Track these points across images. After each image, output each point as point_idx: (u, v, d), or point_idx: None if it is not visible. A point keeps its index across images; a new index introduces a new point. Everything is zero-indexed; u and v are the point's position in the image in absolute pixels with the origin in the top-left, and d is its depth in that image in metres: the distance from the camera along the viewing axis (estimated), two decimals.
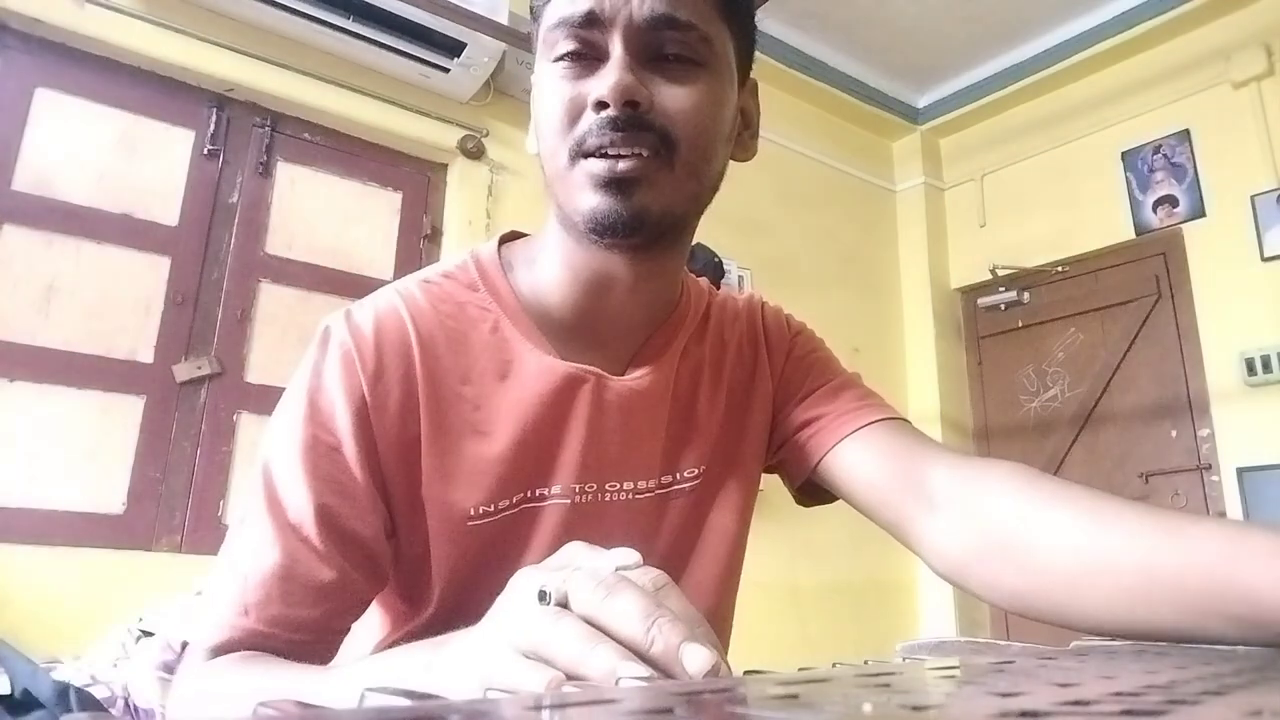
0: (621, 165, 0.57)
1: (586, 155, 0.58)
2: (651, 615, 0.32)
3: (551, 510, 0.63)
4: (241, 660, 0.54)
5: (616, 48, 0.58)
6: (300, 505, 0.57)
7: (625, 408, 0.66)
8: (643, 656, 0.31)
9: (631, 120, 0.57)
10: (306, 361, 0.62)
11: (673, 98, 0.59)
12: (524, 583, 0.37)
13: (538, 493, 0.63)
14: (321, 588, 0.56)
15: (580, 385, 0.64)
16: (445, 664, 0.39)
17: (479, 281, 0.66)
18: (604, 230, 0.58)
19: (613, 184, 0.57)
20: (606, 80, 0.57)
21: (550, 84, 0.60)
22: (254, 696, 0.47)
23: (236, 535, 0.58)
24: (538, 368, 0.64)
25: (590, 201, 0.58)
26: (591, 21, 0.58)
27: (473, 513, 0.60)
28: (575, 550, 0.39)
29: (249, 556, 0.56)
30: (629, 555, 0.37)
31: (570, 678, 0.31)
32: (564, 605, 0.34)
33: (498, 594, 0.63)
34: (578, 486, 0.64)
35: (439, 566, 0.61)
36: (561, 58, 0.59)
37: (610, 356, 0.67)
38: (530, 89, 0.69)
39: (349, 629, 0.60)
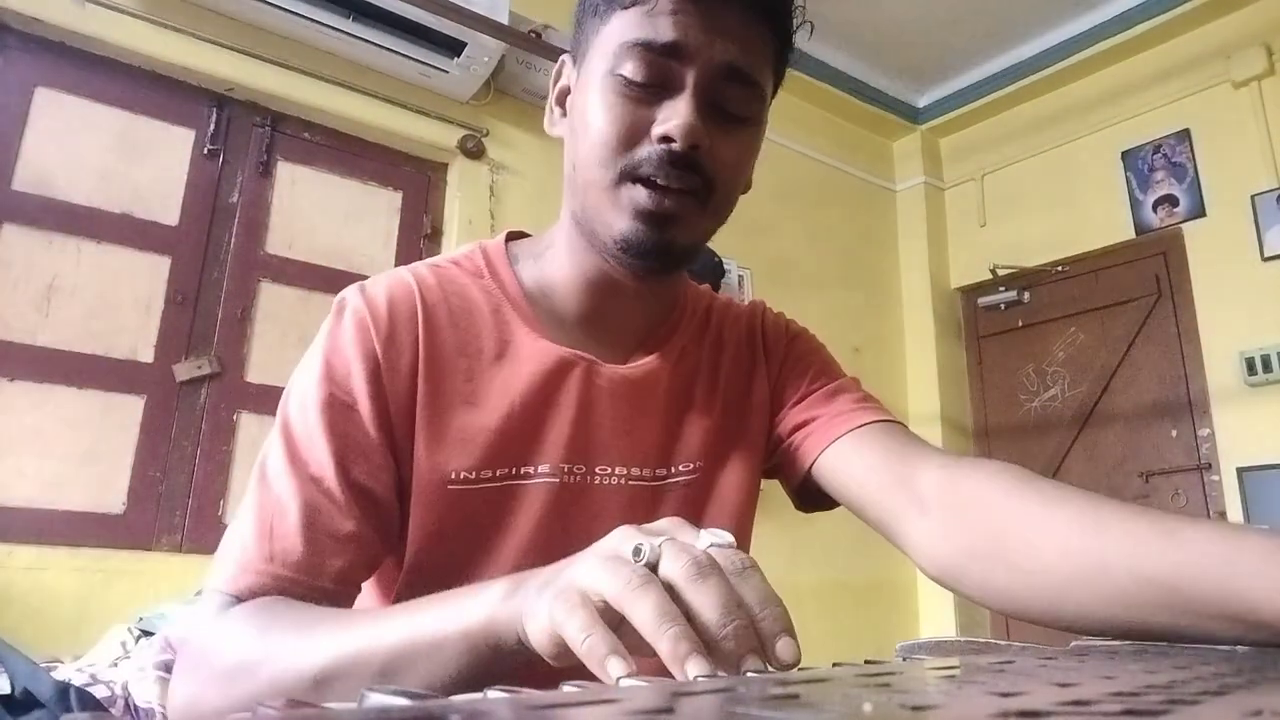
0: (668, 203, 0.60)
1: (636, 181, 0.60)
2: (732, 615, 0.34)
3: (539, 489, 0.64)
4: (282, 601, 0.54)
5: (689, 86, 0.60)
6: (321, 459, 0.58)
7: (616, 393, 0.68)
8: (710, 645, 0.33)
9: (688, 160, 0.59)
10: (323, 329, 0.64)
11: (724, 148, 0.62)
12: (620, 538, 0.39)
13: (523, 470, 0.64)
14: (343, 538, 0.57)
15: (571, 368, 0.66)
16: (524, 596, 0.41)
17: (484, 269, 0.69)
18: (634, 255, 0.61)
19: (654, 217, 0.60)
20: (678, 117, 0.59)
21: (609, 98, 0.61)
22: (334, 630, 0.49)
23: (256, 490, 0.59)
24: (532, 349, 0.66)
25: (626, 227, 0.61)
26: (672, 52, 0.59)
27: (453, 476, 0.62)
28: (671, 522, 0.41)
29: (272, 507, 0.57)
30: (723, 535, 0.39)
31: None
32: (653, 568, 0.37)
33: (474, 566, 0.64)
34: (566, 467, 0.65)
35: (415, 528, 0.62)
36: (629, 76, 0.60)
37: (609, 348, 0.69)
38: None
39: (360, 589, 0.61)
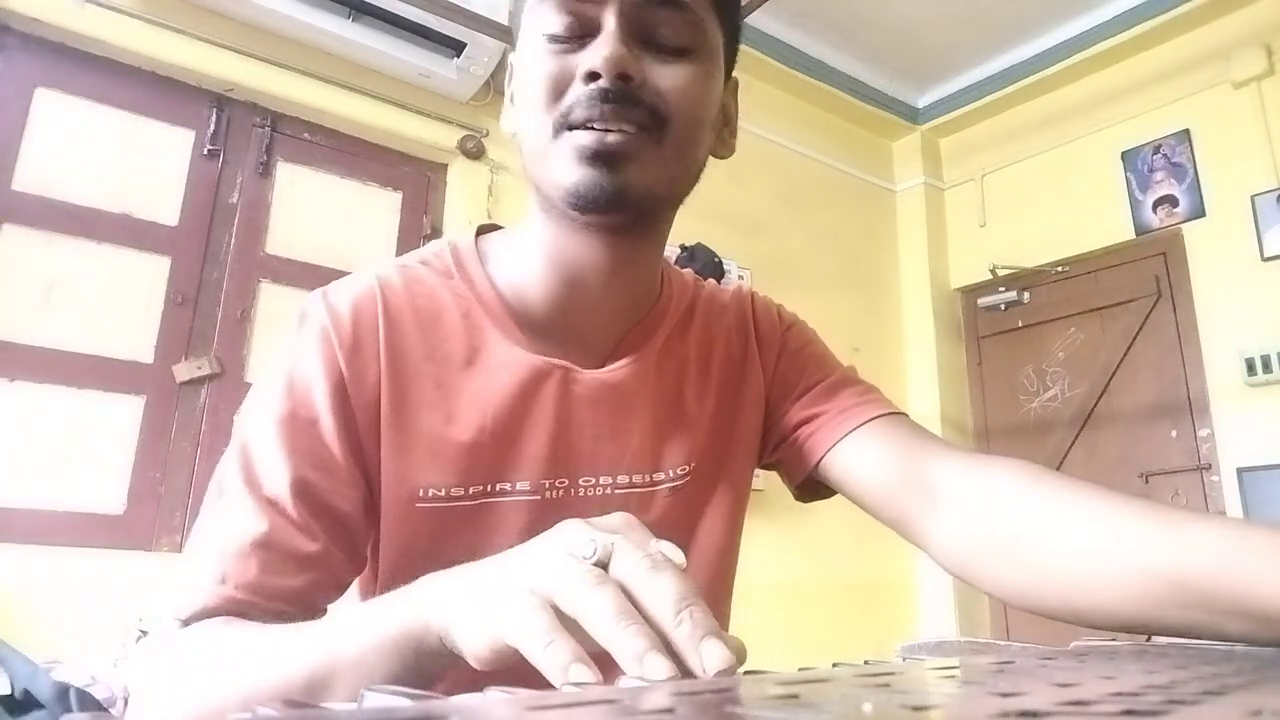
0: (610, 138, 0.55)
1: (572, 128, 0.56)
2: (687, 601, 0.33)
3: (517, 506, 0.61)
4: (225, 623, 0.52)
5: (610, 22, 0.56)
6: (278, 479, 0.55)
7: (596, 400, 0.64)
8: (665, 638, 0.32)
9: (622, 93, 0.55)
10: (285, 343, 0.61)
11: (664, 76, 0.58)
12: (571, 534, 0.37)
13: (499, 487, 0.61)
14: (301, 558, 0.54)
15: (546, 378, 0.63)
16: (447, 595, 0.40)
17: (454, 269, 0.66)
18: (585, 205, 0.56)
19: (599, 157, 0.55)
20: (599, 52, 0.55)
21: (536, 58, 0.58)
22: (257, 652, 0.47)
23: (211, 511, 0.56)
24: (504, 358, 0.62)
25: (574, 175, 0.56)
26: None
27: (422, 494, 0.59)
28: (624, 519, 0.39)
29: (226, 528, 0.54)
30: (675, 551, 0.37)
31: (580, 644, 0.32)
32: (604, 566, 0.35)
33: None
34: (547, 482, 0.62)
35: (385, 547, 0.60)
36: (550, 32, 0.58)
37: (586, 351, 0.66)
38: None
39: (327, 610, 0.58)
